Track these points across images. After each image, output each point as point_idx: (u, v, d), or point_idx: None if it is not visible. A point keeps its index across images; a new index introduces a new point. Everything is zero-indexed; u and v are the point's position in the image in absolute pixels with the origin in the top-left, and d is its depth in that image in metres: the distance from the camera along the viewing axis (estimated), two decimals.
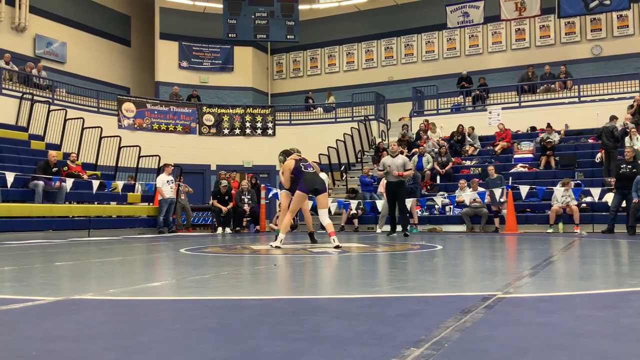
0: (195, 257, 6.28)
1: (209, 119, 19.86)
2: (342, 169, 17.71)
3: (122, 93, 20.33)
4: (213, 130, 19.86)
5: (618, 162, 11.80)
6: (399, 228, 11.02)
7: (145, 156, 15.48)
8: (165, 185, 13.69)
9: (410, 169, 11.09)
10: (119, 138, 15.38)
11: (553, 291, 3.44)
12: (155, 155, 15.44)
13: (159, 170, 14.54)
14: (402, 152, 12.32)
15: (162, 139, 18.57)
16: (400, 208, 10.84)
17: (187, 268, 5.14)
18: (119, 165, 15.25)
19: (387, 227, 12.35)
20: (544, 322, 2.31)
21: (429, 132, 17.40)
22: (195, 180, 18.86)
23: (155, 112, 19.06)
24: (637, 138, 13.63)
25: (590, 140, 15.61)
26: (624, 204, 11.11)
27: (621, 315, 2.46)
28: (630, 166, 11.11)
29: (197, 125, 19.73)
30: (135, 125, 18.50)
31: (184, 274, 4.55)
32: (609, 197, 11.78)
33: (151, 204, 14.60)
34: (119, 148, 15.21)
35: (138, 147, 15.50)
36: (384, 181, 12.56)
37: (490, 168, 13.68)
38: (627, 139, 13.69)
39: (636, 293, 3.17)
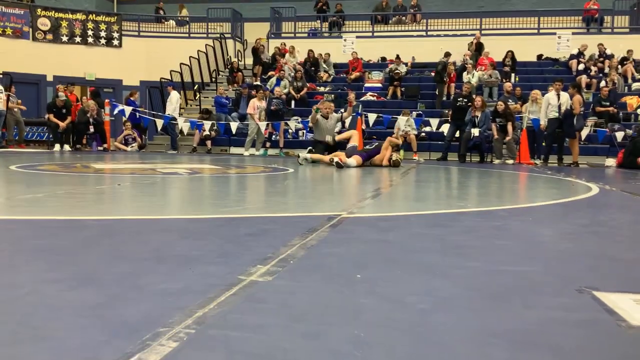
0: (29, 175, 5.76)
1: (44, 23, 17.76)
2: (195, 87, 17.06)
3: None
4: (49, 36, 17.85)
5: (455, 95, 12.79)
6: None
7: None
8: None
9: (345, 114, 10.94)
10: None
11: (391, 211, 3.69)
12: None
13: None
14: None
15: None
16: None
17: (19, 186, 4.70)
18: None
19: (253, 150, 12.88)
20: (382, 240, 2.47)
21: (287, 56, 17.26)
22: (29, 92, 17.01)
23: None
24: (473, 74, 14.79)
25: (432, 74, 16.63)
26: (457, 134, 12.20)
27: (449, 233, 2.71)
28: (466, 100, 12.11)
29: (31, 29, 17.57)
30: None
31: (15, 192, 4.17)
32: (445, 128, 12.80)
33: None
34: None
35: None
36: (253, 102, 12.70)
37: (352, 95, 14.11)
38: (464, 74, 14.81)
39: (463, 214, 3.52)
